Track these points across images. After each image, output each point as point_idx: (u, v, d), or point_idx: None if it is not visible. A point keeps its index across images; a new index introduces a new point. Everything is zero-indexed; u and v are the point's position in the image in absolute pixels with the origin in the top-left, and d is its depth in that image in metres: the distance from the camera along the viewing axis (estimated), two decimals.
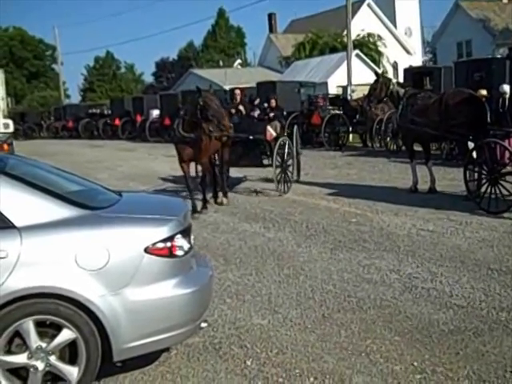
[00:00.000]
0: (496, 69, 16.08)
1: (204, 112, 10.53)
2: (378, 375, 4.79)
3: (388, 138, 21.26)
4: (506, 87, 11.67)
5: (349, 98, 26.68)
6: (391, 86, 12.76)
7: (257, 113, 14.00)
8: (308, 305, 6.34)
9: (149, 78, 77.79)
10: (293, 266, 7.74)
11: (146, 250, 4.48)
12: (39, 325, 4.28)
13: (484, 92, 13.28)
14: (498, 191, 10.18)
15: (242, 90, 15.28)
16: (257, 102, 15.66)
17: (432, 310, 6.05)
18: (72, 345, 4.32)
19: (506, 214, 9.80)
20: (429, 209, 10.69)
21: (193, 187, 11.68)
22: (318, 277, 7.25)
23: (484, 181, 10.55)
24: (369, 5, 52.42)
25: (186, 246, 4.72)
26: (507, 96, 11.32)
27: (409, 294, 6.54)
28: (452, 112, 11.42)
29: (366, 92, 27.98)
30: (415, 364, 4.92)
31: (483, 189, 10.47)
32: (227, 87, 32.17)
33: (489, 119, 11.34)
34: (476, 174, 10.92)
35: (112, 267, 4.37)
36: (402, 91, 12.64)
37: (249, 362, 5.08)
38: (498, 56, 23.73)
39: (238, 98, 14.15)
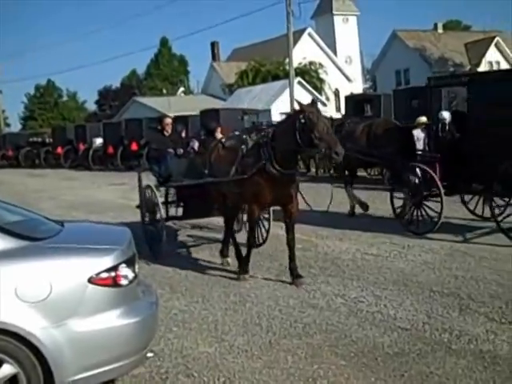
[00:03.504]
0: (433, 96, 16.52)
1: (306, 134, 7.52)
2: None
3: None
4: (446, 114, 12.05)
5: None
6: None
7: (196, 145, 11.48)
8: (255, 331, 6.34)
9: (92, 106, 77.28)
10: (239, 292, 7.73)
11: (90, 280, 4.41)
12: None
13: (424, 119, 13.66)
14: (423, 213, 10.73)
15: (173, 119, 12.47)
16: (183, 133, 13.51)
17: (377, 334, 6.12)
18: (13, 380, 4.19)
19: (448, 237, 10.09)
20: (372, 233, 10.86)
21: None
22: (265, 303, 7.25)
23: (410, 204, 11.06)
24: (309, 34, 53.58)
25: (131, 275, 4.66)
26: (447, 122, 11.69)
27: (354, 318, 6.60)
28: (380, 141, 12.30)
29: None
30: None
31: (409, 211, 10.99)
32: (171, 115, 32.13)
33: (426, 146, 11.73)
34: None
35: (54, 299, 4.27)
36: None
37: None
38: None
39: (169, 129, 11.04)
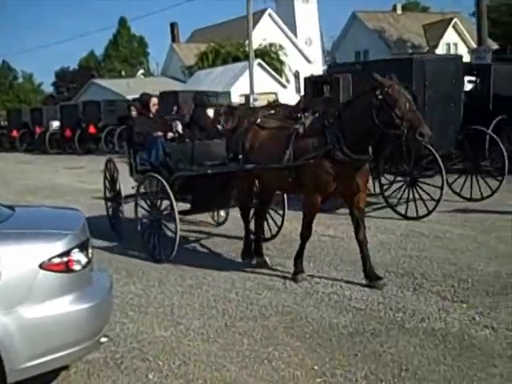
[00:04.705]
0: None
1: (386, 111, 6.50)
2: (280, 381, 4.85)
3: None
4: None
5: (252, 106, 26.95)
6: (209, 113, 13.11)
7: (179, 127, 10.01)
8: (211, 314, 6.35)
9: (49, 88, 75.96)
10: (196, 276, 7.72)
11: (41, 266, 4.35)
12: None
13: None
14: None
15: (159, 98, 11.08)
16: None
17: (332, 314, 6.19)
18: None
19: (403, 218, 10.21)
20: (329, 214, 10.91)
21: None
22: (221, 286, 7.27)
23: None
24: (270, 15, 53.30)
25: (84, 260, 4.61)
26: None
27: (310, 300, 6.66)
28: None
29: (269, 100, 28.40)
30: (316, 368, 5.01)
31: None
32: (130, 97, 31.84)
33: None
34: None
35: (4, 285, 4.19)
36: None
37: (151, 376, 5.02)
38: None
39: (155, 110, 9.91)
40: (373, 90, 6.64)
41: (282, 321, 6.06)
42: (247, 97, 29.99)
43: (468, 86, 17.21)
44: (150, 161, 9.23)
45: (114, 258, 8.72)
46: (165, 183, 8.48)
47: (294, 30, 54.97)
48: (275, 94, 32.17)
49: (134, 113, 11.59)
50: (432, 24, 48.97)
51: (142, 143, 9.50)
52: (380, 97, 6.51)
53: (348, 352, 5.28)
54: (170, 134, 9.58)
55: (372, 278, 7.06)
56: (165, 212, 8.68)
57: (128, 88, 43.87)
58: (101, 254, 8.31)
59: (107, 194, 10.48)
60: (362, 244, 7.19)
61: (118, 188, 10.05)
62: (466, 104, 13.33)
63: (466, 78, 16.80)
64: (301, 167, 7.15)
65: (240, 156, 8.00)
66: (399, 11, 55.59)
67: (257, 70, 36.58)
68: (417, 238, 9.12)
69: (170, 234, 8.56)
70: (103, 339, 4.86)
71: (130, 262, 8.60)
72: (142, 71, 67.01)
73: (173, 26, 58.94)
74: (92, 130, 29.51)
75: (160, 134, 9.37)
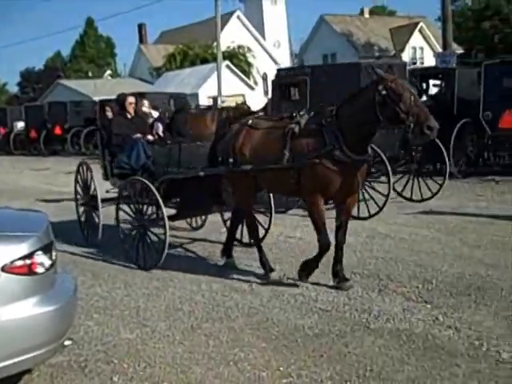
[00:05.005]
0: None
1: (390, 107, 6.31)
2: (246, 383, 4.84)
3: None
4: None
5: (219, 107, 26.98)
6: (144, 108, 12.46)
7: (160, 129, 9.99)
8: (177, 316, 6.32)
9: (13, 89, 75.03)
10: (162, 277, 7.69)
11: (3, 269, 4.28)
12: None
13: None
14: None
15: (136, 97, 10.51)
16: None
17: (298, 316, 6.21)
18: None
19: (370, 220, 10.28)
20: (297, 216, 10.97)
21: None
22: (187, 287, 7.24)
23: None
24: (238, 17, 53.46)
25: (48, 262, 4.55)
26: None
27: (276, 301, 6.67)
28: None
29: (237, 102, 28.49)
30: (281, 369, 5.01)
31: None
32: (96, 98, 31.59)
33: None
34: None
35: None
36: (154, 112, 11.83)
37: (115, 378, 4.98)
38: None
39: (132, 109, 9.56)
40: (375, 85, 6.45)
41: (248, 322, 6.07)
42: (215, 99, 30.00)
43: (433, 90, 17.51)
44: (130, 164, 8.84)
45: (80, 261, 8.65)
46: (152, 187, 8.09)
47: (262, 32, 55.18)
48: (243, 95, 32.26)
49: (109, 113, 11.39)
50: (398, 28, 49.44)
51: (120, 145, 9.12)
52: (383, 92, 6.30)
53: (313, 353, 5.30)
54: (150, 137, 9.28)
55: (340, 279, 7.11)
56: (149, 217, 8.34)
57: (95, 89, 43.56)
58: (66, 256, 8.24)
59: (79, 199, 9.99)
60: (340, 244, 7.17)
61: (93, 192, 9.53)
62: (430, 107, 13.51)
63: (431, 82, 17.13)
64: (301, 168, 6.87)
65: (231, 159, 7.55)
66: (367, 15, 56.19)
67: (225, 72, 36.64)
68: (382, 240, 9.20)
69: (154, 239, 8.21)
70: (67, 342, 4.80)
71: (96, 264, 8.54)
72: (109, 72, 66.56)
73: (141, 27, 58.70)
74: (58, 131, 29.27)
75: (139, 135, 9.05)
